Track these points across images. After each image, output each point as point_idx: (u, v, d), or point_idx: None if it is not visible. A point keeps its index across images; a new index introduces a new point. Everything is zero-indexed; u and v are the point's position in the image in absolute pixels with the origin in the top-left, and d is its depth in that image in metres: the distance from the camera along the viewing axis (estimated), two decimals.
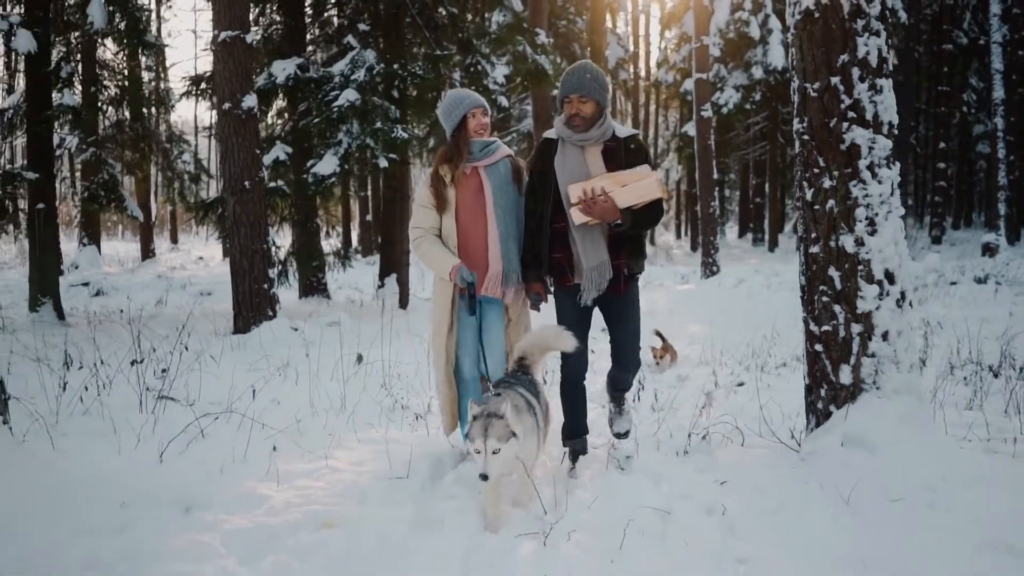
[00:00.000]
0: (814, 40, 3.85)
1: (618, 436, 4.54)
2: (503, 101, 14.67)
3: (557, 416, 4.38)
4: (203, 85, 12.45)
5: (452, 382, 4.34)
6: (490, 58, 13.25)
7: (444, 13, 13.24)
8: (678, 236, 42.73)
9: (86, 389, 5.43)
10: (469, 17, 14.61)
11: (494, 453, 3.22)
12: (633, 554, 3.12)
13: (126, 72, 14.00)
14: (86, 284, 15.71)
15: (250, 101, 9.23)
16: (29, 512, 3.38)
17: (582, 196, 3.84)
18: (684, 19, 24.89)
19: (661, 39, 35.06)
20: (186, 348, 6.88)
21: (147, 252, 24.64)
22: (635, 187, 3.79)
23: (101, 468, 4.01)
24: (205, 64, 45.93)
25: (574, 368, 4.26)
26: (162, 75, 18.53)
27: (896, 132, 3.81)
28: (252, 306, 9.17)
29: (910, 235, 28.72)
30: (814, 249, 3.93)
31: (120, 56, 14.13)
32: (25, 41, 10.42)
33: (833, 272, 3.86)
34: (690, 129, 21.13)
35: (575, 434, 4.42)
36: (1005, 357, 6.34)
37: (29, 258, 11.53)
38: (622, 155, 3.98)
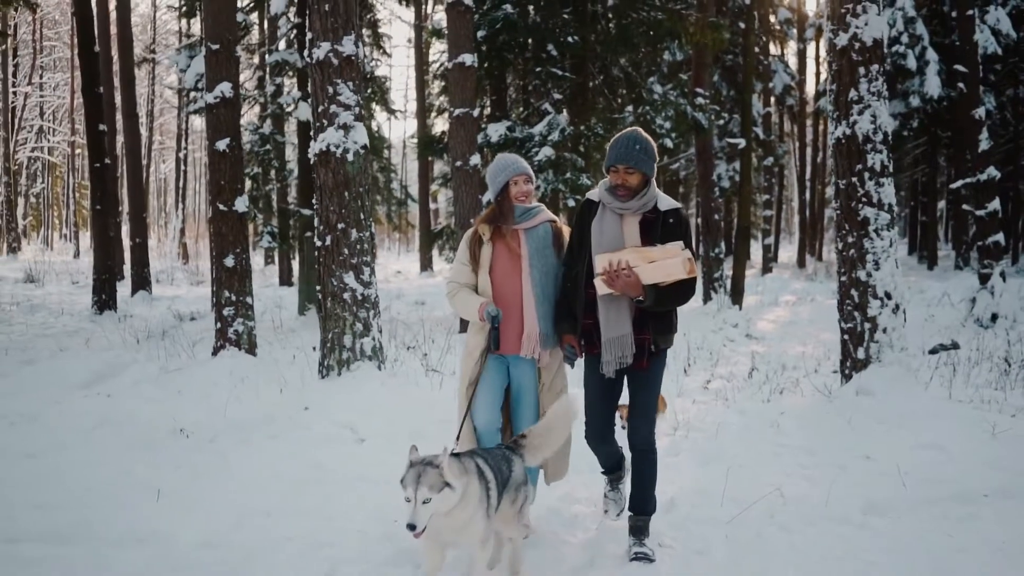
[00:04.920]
0: (842, 155, 6.48)
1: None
2: (668, 143, 17.43)
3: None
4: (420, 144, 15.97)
5: (474, 435, 4.26)
6: (658, 108, 16.02)
7: (620, 72, 16.19)
8: None
9: (395, 360, 8.72)
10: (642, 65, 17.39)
11: (424, 503, 3.10)
12: (727, 440, 5.92)
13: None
14: None
15: (475, 160, 12.48)
16: (404, 408, 6.59)
17: (607, 268, 3.76)
18: None
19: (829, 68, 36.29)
20: (432, 341, 10.12)
21: None
22: (661, 265, 3.71)
23: (439, 396, 7.16)
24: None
25: (594, 427, 4.15)
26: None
27: (895, 209, 6.34)
28: None
29: None
30: (843, 279, 6.56)
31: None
32: (304, 111, 14.21)
33: (854, 292, 6.47)
34: None
35: (610, 471, 4.37)
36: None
37: (299, 274, 15.34)
38: (659, 229, 3.89)
